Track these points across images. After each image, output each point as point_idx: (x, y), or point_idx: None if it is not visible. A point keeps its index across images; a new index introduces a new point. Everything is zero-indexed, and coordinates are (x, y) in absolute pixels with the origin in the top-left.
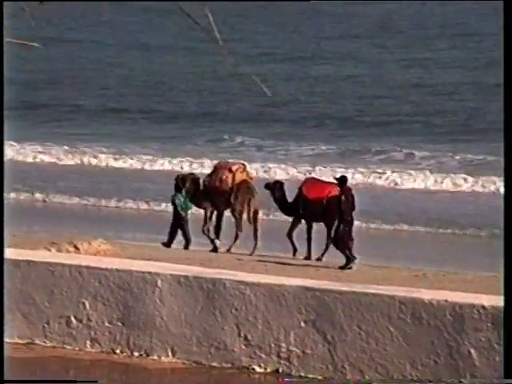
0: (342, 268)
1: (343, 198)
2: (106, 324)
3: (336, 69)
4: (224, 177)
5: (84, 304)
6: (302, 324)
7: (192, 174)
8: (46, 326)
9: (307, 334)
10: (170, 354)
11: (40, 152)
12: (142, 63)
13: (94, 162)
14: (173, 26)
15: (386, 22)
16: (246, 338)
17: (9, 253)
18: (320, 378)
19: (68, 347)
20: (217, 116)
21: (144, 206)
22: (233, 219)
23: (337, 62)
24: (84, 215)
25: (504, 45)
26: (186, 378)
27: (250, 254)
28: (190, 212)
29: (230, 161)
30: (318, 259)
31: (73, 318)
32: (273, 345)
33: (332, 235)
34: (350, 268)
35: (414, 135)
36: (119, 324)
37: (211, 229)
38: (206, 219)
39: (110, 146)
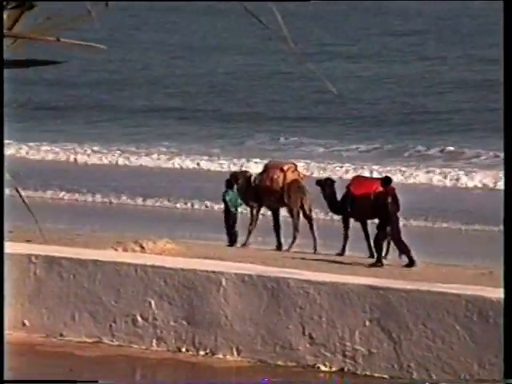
0: (371, 266)
1: (389, 198)
2: (172, 323)
3: (400, 66)
4: (275, 176)
5: (150, 303)
6: (367, 323)
7: (245, 171)
8: (113, 324)
9: (372, 332)
10: (235, 352)
11: (98, 152)
12: (205, 63)
13: (157, 162)
14: (236, 26)
15: (449, 19)
16: (310, 336)
17: (75, 252)
18: (386, 377)
19: (134, 346)
20: (279, 115)
21: (208, 205)
22: (290, 219)
23: (400, 59)
24: (149, 215)
25: (504, 45)
26: (252, 376)
27: (314, 252)
28: (239, 209)
29: (281, 160)
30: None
31: (139, 317)
32: (338, 344)
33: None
34: (380, 266)
35: (477, 132)
36: (184, 323)
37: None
38: (253, 218)
39: (172, 146)
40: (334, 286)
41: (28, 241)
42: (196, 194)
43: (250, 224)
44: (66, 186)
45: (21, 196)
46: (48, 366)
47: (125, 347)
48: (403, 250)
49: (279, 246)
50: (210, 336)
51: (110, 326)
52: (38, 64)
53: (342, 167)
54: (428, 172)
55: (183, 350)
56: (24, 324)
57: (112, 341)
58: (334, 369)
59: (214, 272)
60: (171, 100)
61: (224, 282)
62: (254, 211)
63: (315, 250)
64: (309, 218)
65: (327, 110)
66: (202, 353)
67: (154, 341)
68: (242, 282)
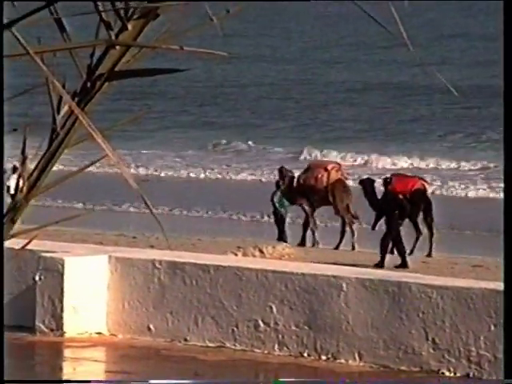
0: (376, 266)
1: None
2: (293, 328)
3: None
4: (320, 175)
5: (271, 308)
6: (492, 328)
7: (288, 170)
8: (235, 329)
9: (498, 337)
10: (357, 357)
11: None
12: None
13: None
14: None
15: None
16: (434, 341)
17: (197, 257)
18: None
19: (257, 351)
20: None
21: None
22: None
23: None
24: (267, 220)
25: (504, 45)
26: (374, 382)
27: (352, 249)
28: (287, 209)
29: (324, 160)
30: (428, 255)
31: (260, 322)
32: (462, 349)
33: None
34: (381, 267)
35: None
36: (306, 328)
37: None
38: (308, 216)
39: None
40: (457, 291)
41: (151, 246)
42: None
43: (307, 222)
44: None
45: (145, 202)
46: (173, 370)
47: (247, 352)
48: (401, 251)
49: (302, 243)
50: (332, 341)
51: (233, 330)
52: (162, 72)
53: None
54: None
55: (305, 354)
56: (149, 329)
57: (235, 345)
58: (458, 374)
59: (334, 277)
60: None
61: (345, 287)
62: (306, 208)
63: (353, 248)
64: (352, 217)
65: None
66: (323, 357)
67: (276, 345)
68: (363, 286)
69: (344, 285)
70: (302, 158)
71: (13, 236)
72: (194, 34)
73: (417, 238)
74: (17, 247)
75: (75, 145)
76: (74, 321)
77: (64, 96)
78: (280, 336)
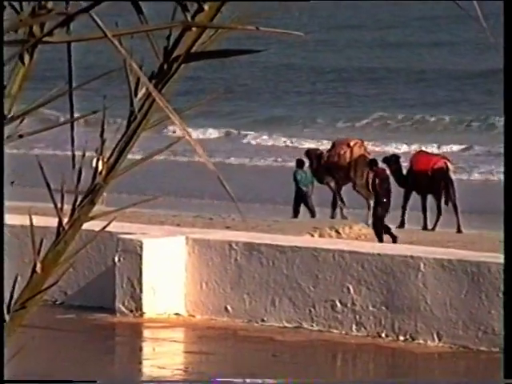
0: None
1: (377, 180)
2: (371, 308)
3: None
4: (342, 152)
5: (348, 288)
6: None
7: (316, 149)
8: (312, 310)
9: None
10: (435, 338)
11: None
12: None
13: None
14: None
15: None
16: None
17: (274, 239)
18: None
19: (334, 331)
20: None
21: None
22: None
23: None
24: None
25: (504, 45)
26: (454, 362)
27: (367, 224)
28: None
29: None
30: (433, 229)
31: (338, 303)
32: None
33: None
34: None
35: None
36: (383, 308)
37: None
38: (334, 193)
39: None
40: None
41: (227, 227)
42: None
43: (335, 200)
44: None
45: (222, 183)
46: (251, 351)
47: (325, 332)
48: (378, 230)
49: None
50: (410, 321)
51: (310, 311)
52: (239, 53)
53: None
54: None
55: (383, 335)
56: (227, 309)
57: (312, 326)
58: None
59: (412, 257)
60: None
61: (422, 267)
62: (332, 185)
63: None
64: (370, 188)
65: None
66: (401, 338)
67: (354, 326)
68: (441, 266)
69: (422, 265)
70: None
71: (92, 218)
72: (269, 14)
73: (437, 217)
74: (96, 229)
75: (153, 127)
76: (153, 302)
77: (142, 78)
78: (357, 316)
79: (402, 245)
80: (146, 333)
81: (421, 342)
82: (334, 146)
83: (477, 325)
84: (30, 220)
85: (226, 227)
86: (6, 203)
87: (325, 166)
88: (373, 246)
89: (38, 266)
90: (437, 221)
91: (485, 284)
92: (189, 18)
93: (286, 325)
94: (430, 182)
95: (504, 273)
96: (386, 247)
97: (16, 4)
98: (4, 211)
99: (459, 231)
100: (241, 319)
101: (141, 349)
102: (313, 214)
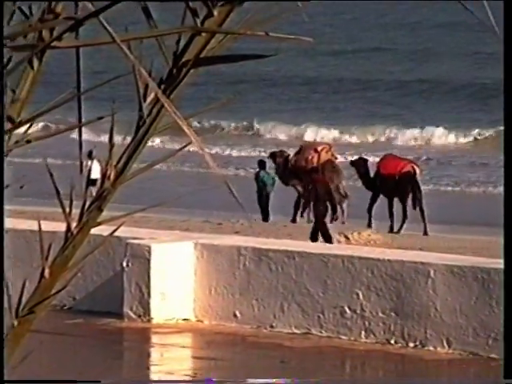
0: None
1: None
2: (380, 314)
3: None
4: (310, 156)
5: (357, 294)
6: None
7: (282, 151)
8: (321, 316)
9: None
10: (445, 344)
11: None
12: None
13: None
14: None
15: None
16: None
17: (282, 244)
18: None
19: (343, 337)
20: None
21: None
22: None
23: None
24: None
25: (504, 45)
26: (464, 369)
27: (336, 220)
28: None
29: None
30: (398, 232)
31: (347, 309)
32: None
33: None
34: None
35: None
36: (393, 314)
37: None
38: (300, 195)
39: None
40: None
41: (236, 232)
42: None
43: (298, 202)
44: None
45: (229, 187)
46: (259, 357)
47: (334, 338)
48: (320, 229)
49: (293, 220)
50: (420, 328)
51: (319, 317)
52: (248, 58)
53: None
54: None
55: (392, 341)
56: (235, 315)
57: (321, 332)
58: None
59: (422, 263)
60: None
61: (432, 273)
62: (299, 188)
63: (339, 219)
64: (341, 196)
65: None
66: (411, 345)
67: (363, 332)
68: (451, 272)
69: (432, 271)
70: None
71: (100, 223)
72: (279, 19)
73: (403, 220)
74: (105, 234)
75: (161, 132)
76: (161, 307)
77: (150, 83)
78: (367, 323)
79: (411, 251)
80: (154, 338)
81: (430, 348)
82: (301, 149)
83: (487, 331)
84: (39, 225)
85: (234, 232)
86: (14, 208)
87: (291, 170)
88: (382, 252)
89: (47, 271)
90: (402, 223)
91: (495, 290)
92: (198, 23)
93: (295, 331)
94: (396, 185)
95: (504, 274)
96: (396, 253)
97: (25, 9)
98: (4, 212)
99: (426, 234)
100: (249, 325)
101: (149, 354)
102: (266, 218)
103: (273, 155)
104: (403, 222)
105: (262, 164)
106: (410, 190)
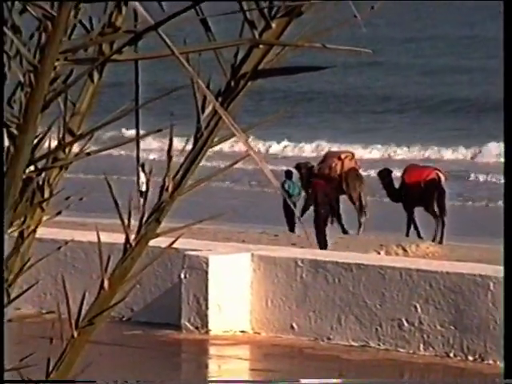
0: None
1: (317, 191)
2: (439, 327)
3: None
4: (333, 164)
5: (415, 307)
6: None
7: (307, 162)
8: (379, 328)
9: None
10: None
11: None
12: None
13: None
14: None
15: None
16: None
17: (339, 256)
18: None
19: (401, 350)
20: None
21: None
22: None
23: None
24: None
25: (504, 46)
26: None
27: (358, 233)
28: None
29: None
30: (441, 241)
31: (405, 321)
32: None
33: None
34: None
35: None
36: (452, 328)
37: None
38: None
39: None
40: None
41: (293, 244)
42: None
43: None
44: None
45: (285, 198)
46: (317, 369)
47: (391, 351)
48: (319, 239)
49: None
50: (479, 341)
51: (376, 329)
52: (305, 70)
53: None
54: None
55: (451, 355)
56: (292, 327)
57: (379, 345)
58: None
59: (481, 276)
60: None
61: (492, 286)
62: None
63: (358, 232)
64: (359, 202)
65: None
66: (470, 358)
67: (421, 345)
68: None
69: (491, 284)
70: None
71: (159, 235)
72: (337, 31)
73: (437, 225)
74: (163, 246)
75: (218, 144)
76: (219, 319)
77: (208, 96)
78: (425, 336)
79: (471, 263)
80: (212, 350)
81: (490, 362)
82: (325, 158)
83: None
84: (98, 236)
85: (291, 244)
86: (75, 219)
87: (315, 179)
88: (441, 265)
89: (106, 282)
90: (442, 232)
91: None
92: (256, 36)
93: (353, 343)
94: (422, 193)
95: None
96: (455, 265)
97: (86, 23)
98: (4, 212)
99: (441, 242)
100: (306, 337)
101: (206, 366)
102: (292, 228)
103: (298, 166)
104: (442, 229)
105: (288, 174)
106: (435, 197)
